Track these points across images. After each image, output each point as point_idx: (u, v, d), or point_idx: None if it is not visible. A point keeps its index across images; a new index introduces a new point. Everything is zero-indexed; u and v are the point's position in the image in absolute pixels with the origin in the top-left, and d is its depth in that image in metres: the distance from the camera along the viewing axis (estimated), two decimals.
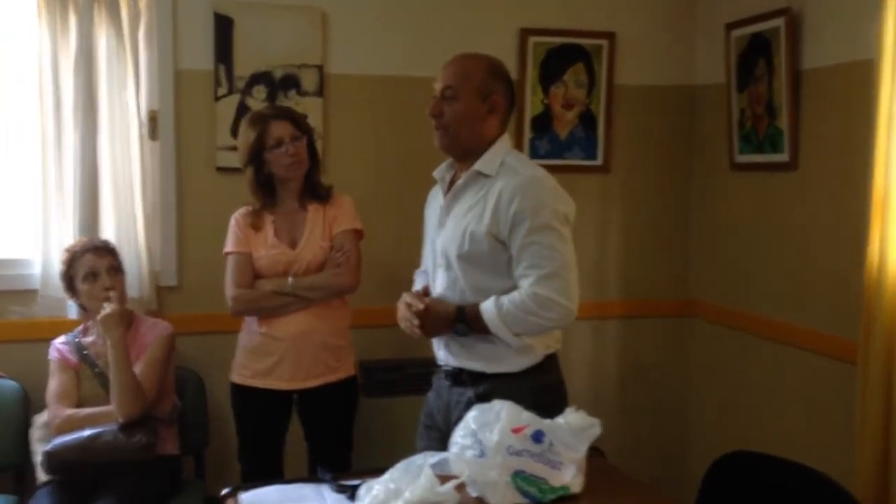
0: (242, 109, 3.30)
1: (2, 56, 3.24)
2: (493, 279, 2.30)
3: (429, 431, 2.50)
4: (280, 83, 3.36)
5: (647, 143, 3.80)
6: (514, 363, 2.32)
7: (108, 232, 3.19)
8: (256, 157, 2.83)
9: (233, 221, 2.91)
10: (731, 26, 3.45)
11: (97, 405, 2.83)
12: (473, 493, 1.96)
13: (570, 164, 3.66)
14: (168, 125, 3.30)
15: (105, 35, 3.15)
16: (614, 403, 3.84)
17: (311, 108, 3.33)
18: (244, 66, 3.32)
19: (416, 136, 3.38)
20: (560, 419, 2.00)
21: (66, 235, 3.13)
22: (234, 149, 3.18)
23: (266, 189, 2.88)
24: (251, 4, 3.32)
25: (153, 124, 3.29)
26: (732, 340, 3.59)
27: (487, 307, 2.25)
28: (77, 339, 2.95)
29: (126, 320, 2.86)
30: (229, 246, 2.89)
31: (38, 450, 2.84)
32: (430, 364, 2.53)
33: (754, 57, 3.33)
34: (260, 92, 3.35)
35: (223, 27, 3.30)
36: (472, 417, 1.98)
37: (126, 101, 3.18)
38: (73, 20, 3.11)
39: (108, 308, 2.80)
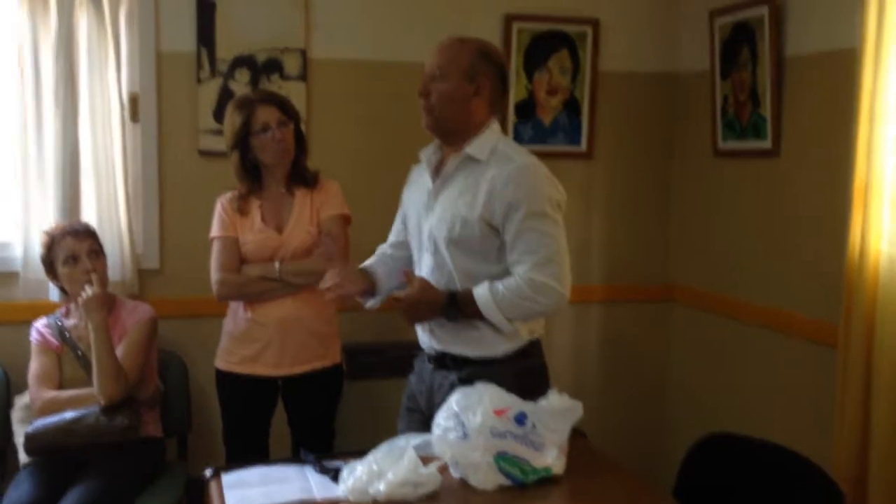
0: (225, 93, 3.28)
1: None
2: (482, 264, 2.30)
3: (411, 414, 2.50)
4: (263, 67, 3.34)
5: (631, 129, 3.81)
6: (498, 348, 2.32)
7: (90, 214, 3.17)
8: (242, 141, 2.81)
9: (219, 206, 2.90)
10: (714, 14, 3.46)
11: (79, 387, 2.82)
12: (456, 475, 1.97)
13: (554, 151, 3.66)
14: (150, 108, 3.28)
15: (86, 17, 3.12)
16: (596, 386, 3.86)
17: (294, 93, 3.31)
18: (226, 49, 3.30)
19: (400, 121, 3.39)
20: (543, 401, 2.01)
21: (47, 218, 3.11)
22: (216, 132, 3.18)
23: (252, 174, 2.86)
24: None
25: (134, 107, 3.27)
26: (713, 325, 3.62)
27: (481, 292, 2.25)
28: (58, 322, 2.94)
29: (107, 303, 2.85)
30: (215, 230, 2.87)
31: (19, 431, 2.84)
32: (412, 347, 2.54)
33: (738, 44, 3.34)
34: (243, 75, 3.33)
35: (205, 10, 3.28)
36: (455, 400, 1.99)
37: (107, 83, 3.16)
38: (53, 1, 3.07)
39: (88, 291, 2.79)
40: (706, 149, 3.59)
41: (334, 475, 1.97)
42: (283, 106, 2.87)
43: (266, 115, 2.80)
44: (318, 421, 2.96)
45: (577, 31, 3.65)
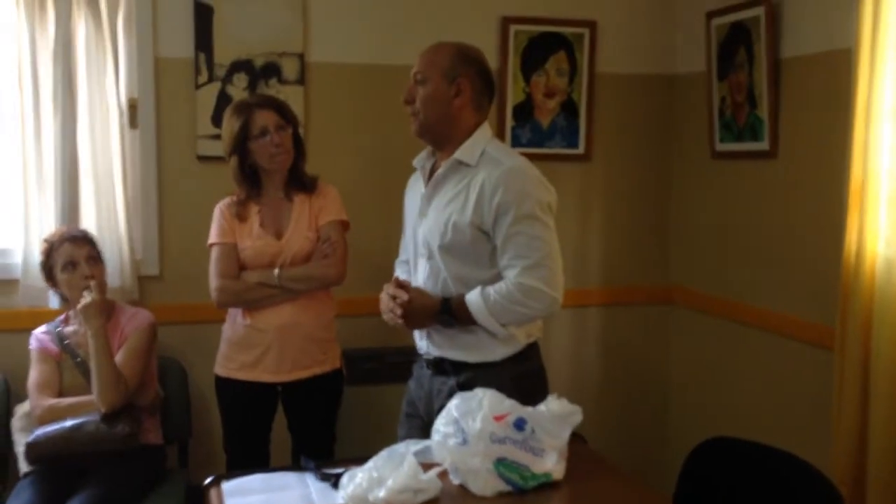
0: (223, 98, 3.29)
1: None
2: (475, 269, 2.31)
3: (410, 420, 2.51)
4: (261, 71, 3.34)
5: (629, 131, 3.81)
6: (496, 352, 2.33)
7: (89, 221, 3.17)
8: (241, 146, 2.81)
9: (217, 212, 2.89)
10: (711, 15, 3.46)
11: (79, 395, 2.82)
12: (456, 481, 1.97)
13: (552, 153, 3.66)
14: (148, 113, 3.28)
15: (84, 23, 3.12)
16: (595, 391, 3.86)
17: (292, 97, 3.31)
18: (224, 54, 3.31)
19: (397, 125, 3.36)
20: (542, 406, 2.01)
21: (46, 224, 3.11)
22: (215, 137, 3.17)
23: (251, 179, 2.85)
24: None
25: (133, 112, 3.27)
26: (712, 327, 3.62)
27: (473, 298, 2.26)
28: (58, 329, 2.94)
29: (106, 310, 2.85)
30: (214, 236, 2.86)
31: (20, 440, 2.83)
32: (410, 353, 2.54)
33: (734, 46, 3.34)
34: (241, 80, 3.33)
35: (203, 15, 3.28)
36: (454, 405, 1.99)
37: (105, 89, 3.16)
38: (51, 7, 3.08)
39: (87, 298, 2.79)
40: (703, 150, 3.59)
41: (335, 482, 1.97)
42: (282, 110, 2.86)
43: (264, 119, 2.80)
44: (318, 426, 2.96)
45: (574, 33, 3.65)
